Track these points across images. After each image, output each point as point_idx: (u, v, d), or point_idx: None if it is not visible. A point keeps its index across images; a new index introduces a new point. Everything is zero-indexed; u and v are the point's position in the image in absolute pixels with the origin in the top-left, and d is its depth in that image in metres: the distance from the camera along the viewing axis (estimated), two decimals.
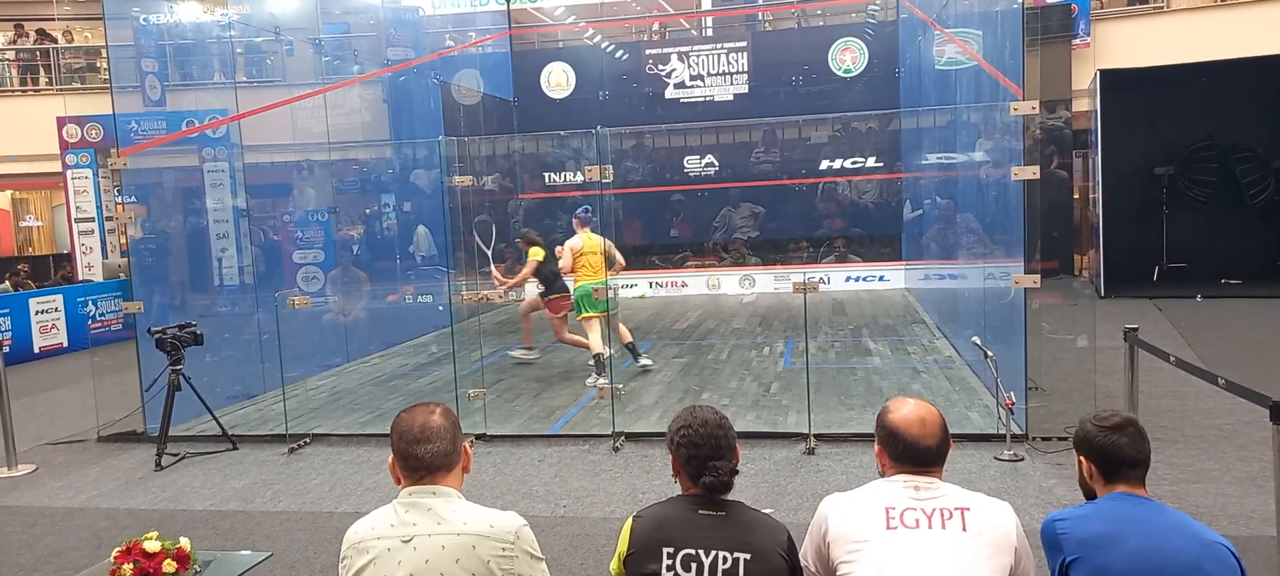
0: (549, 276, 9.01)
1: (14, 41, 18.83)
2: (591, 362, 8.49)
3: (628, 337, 8.94)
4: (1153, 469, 2.60)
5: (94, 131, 14.81)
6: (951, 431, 2.60)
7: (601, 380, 8.01)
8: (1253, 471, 5.36)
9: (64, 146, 14.91)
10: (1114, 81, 12.71)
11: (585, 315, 8.37)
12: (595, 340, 8.30)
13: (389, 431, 2.43)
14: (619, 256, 8.69)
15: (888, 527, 2.39)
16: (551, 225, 15.27)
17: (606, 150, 7.80)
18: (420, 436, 2.35)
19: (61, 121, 14.87)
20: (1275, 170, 12.94)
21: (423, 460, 2.34)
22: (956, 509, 2.40)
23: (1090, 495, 2.57)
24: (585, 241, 8.44)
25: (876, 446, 2.61)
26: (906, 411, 2.55)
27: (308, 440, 7.01)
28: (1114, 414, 2.55)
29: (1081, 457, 2.57)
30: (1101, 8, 15.36)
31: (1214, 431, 6.19)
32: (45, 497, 6.08)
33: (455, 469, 2.39)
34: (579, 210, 8.83)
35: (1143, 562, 2.28)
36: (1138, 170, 13.19)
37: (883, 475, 2.58)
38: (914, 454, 2.50)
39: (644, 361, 8.97)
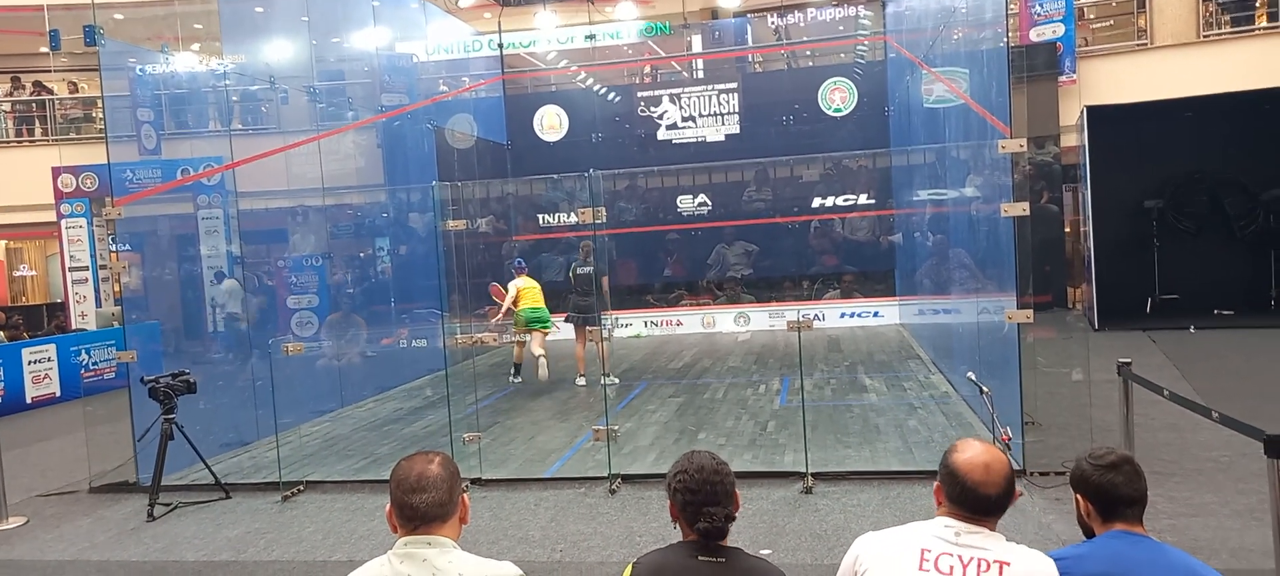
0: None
1: (10, 93, 18.96)
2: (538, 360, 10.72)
3: (538, 352, 10.70)
4: (1152, 503, 2.59)
5: (89, 181, 14.87)
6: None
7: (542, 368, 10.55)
8: (1251, 504, 5.35)
9: (59, 196, 14.96)
10: (1101, 117, 12.85)
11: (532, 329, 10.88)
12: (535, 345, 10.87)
13: (388, 478, 2.42)
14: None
15: (920, 569, 2.33)
16: (548, 262, 15.34)
17: (599, 192, 7.87)
18: (416, 486, 2.32)
19: (56, 171, 14.93)
20: (1263, 202, 13.05)
21: (417, 510, 2.32)
22: (996, 562, 2.31)
23: (1089, 533, 2.55)
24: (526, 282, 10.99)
25: (936, 482, 2.51)
26: (972, 454, 2.43)
27: (302, 487, 6.96)
28: (1109, 451, 2.53)
29: (1078, 496, 2.55)
30: (1086, 45, 15.60)
31: (1211, 464, 6.18)
32: (36, 550, 6.02)
33: (451, 519, 2.37)
34: (516, 261, 11.61)
35: None
36: (1127, 204, 13.30)
37: (937, 511, 2.49)
38: (971, 499, 2.39)
39: (515, 379, 10.98)
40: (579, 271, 10.56)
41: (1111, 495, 2.45)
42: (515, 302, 10.91)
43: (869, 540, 2.47)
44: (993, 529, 2.40)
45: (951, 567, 2.31)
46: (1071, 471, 2.59)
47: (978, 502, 2.38)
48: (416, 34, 14.75)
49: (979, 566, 2.30)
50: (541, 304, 11.00)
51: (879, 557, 2.39)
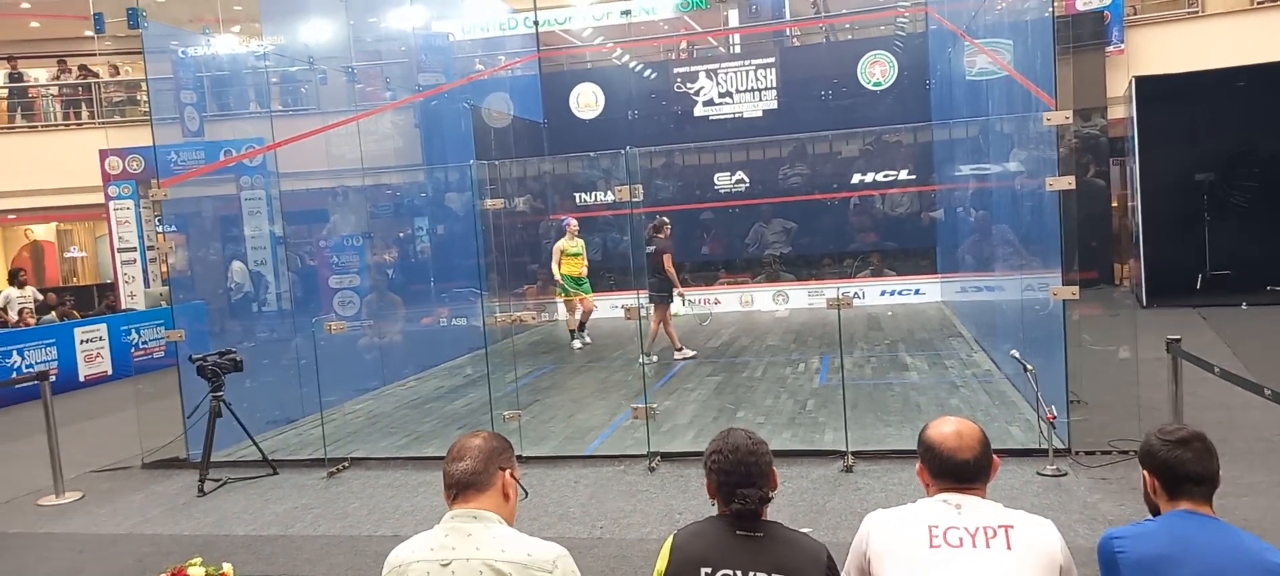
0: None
1: (57, 77, 19.34)
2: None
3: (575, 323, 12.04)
4: None
5: (135, 163, 15.15)
6: (992, 446, 2.55)
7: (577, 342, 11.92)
8: None
9: (106, 178, 15.26)
10: (1150, 88, 12.53)
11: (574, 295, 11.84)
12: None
13: (430, 455, 2.48)
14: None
15: (931, 546, 2.36)
16: (584, 242, 15.34)
17: (636, 170, 7.83)
18: (456, 454, 2.44)
19: (103, 154, 15.23)
20: None
21: (452, 477, 2.41)
22: (1000, 526, 2.36)
23: (1155, 511, 2.50)
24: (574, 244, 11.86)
25: (918, 464, 2.59)
26: (943, 426, 2.54)
27: (346, 464, 7.07)
28: (1181, 427, 2.49)
29: (1145, 471, 2.51)
30: (1134, 14, 15.18)
31: (1262, 444, 6.04)
32: (91, 524, 6.19)
33: (488, 491, 2.40)
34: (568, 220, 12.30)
35: None
36: (1177, 177, 12.95)
37: (927, 494, 2.55)
38: (951, 468, 2.47)
39: (578, 342, 11.96)
40: (647, 250, 10.67)
41: (1178, 471, 2.41)
42: (557, 265, 11.69)
43: (879, 518, 2.51)
44: (984, 496, 2.47)
45: (961, 539, 2.35)
46: (1141, 445, 2.55)
47: (959, 470, 2.46)
48: (452, 13, 14.78)
49: (986, 533, 2.35)
50: (575, 270, 11.73)
51: (890, 536, 2.44)
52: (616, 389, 9.34)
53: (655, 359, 10.64)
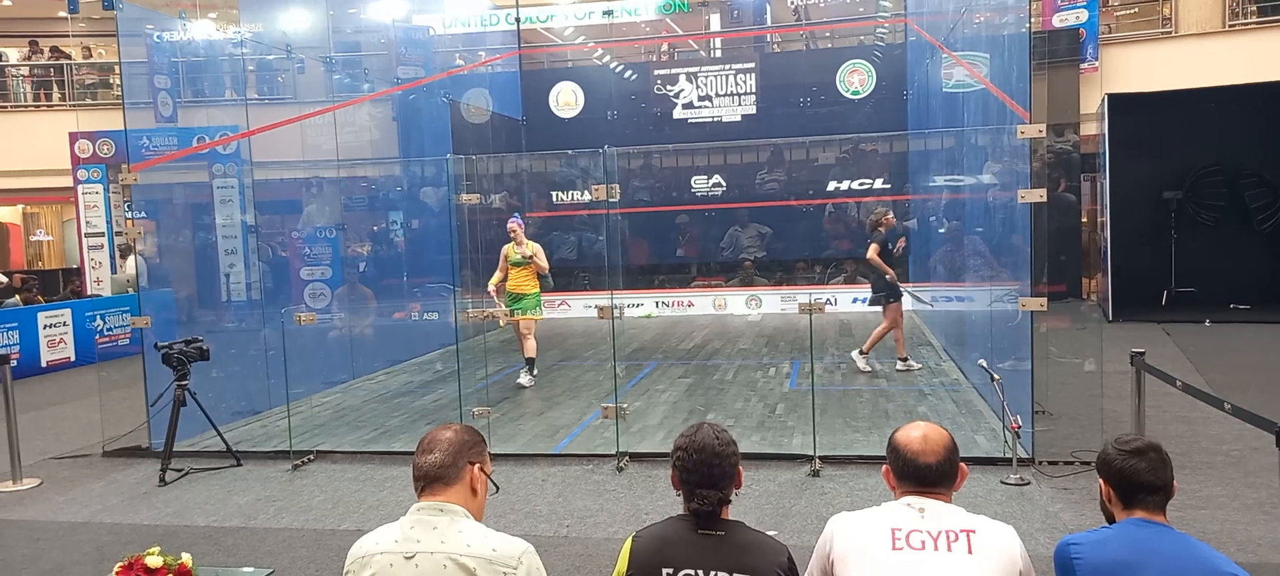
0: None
1: (28, 57, 19.02)
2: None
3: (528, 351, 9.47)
4: None
5: (106, 147, 14.92)
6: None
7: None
8: (1260, 498, 5.32)
9: (76, 162, 15.02)
10: (1122, 105, 12.71)
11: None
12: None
13: (398, 449, 2.46)
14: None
15: (893, 548, 2.38)
16: (559, 241, 15.32)
17: (614, 169, 7.83)
18: (426, 446, 2.42)
19: (74, 137, 14.99)
20: None
21: (420, 468, 2.40)
22: (962, 531, 2.39)
23: (1111, 519, 2.55)
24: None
25: (885, 466, 2.61)
26: (910, 430, 2.56)
27: (312, 457, 7.01)
28: (1136, 437, 2.54)
29: (1102, 480, 2.56)
30: (1110, 32, 15.40)
31: (1222, 457, 6.14)
32: (50, 512, 6.09)
33: (456, 485, 2.39)
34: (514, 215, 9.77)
35: None
36: (1146, 194, 13.17)
37: (894, 497, 2.57)
38: (916, 471, 2.49)
39: (524, 377, 9.41)
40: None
41: (1133, 481, 2.45)
42: (504, 273, 9.26)
43: (842, 520, 2.53)
44: (948, 501, 2.49)
45: (923, 542, 2.37)
46: (1098, 455, 2.59)
47: (923, 473, 2.48)
48: (433, 6, 14.71)
49: (948, 537, 2.38)
50: (519, 284, 9.21)
51: (854, 538, 2.45)
52: (588, 388, 9.32)
53: (916, 365, 9.55)
